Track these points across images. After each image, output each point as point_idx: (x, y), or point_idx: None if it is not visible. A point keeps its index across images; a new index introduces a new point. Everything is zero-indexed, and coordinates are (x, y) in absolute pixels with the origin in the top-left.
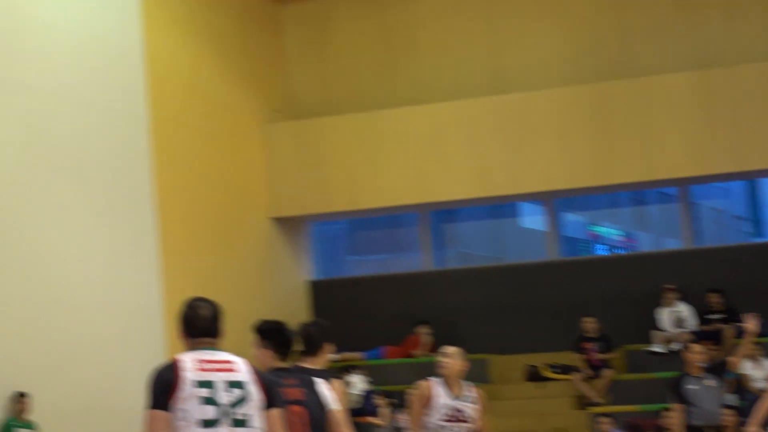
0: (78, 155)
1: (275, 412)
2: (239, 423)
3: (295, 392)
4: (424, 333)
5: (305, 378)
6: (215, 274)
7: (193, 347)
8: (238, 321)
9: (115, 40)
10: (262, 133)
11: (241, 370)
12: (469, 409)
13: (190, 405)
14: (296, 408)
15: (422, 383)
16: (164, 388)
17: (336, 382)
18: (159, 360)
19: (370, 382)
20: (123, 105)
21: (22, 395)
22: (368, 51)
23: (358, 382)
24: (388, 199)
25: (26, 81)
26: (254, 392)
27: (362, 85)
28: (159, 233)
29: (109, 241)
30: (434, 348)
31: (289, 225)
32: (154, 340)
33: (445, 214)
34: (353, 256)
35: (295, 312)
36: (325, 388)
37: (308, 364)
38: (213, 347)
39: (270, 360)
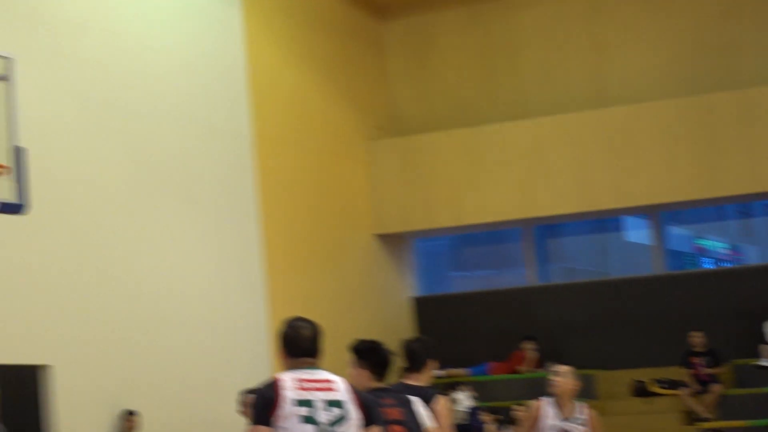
0: (183, 175)
1: (375, 430)
2: None
3: (394, 412)
4: (529, 349)
5: (402, 397)
6: (319, 291)
7: (293, 366)
8: (341, 338)
9: (218, 60)
10: (365, 150)
11: (340, 389)
12: (578, 431)
13: (289, 423)
14: (397, 428)
15: (533, 403)
16: (266, 404)
17: (442, 399)
18: (264, 377)
19: (476, 399)
20: (227, 124)
21: (130, 413)
22: (470, 66)
23: (464, 399)
24: (492, 214)
25: (131, 102)
26: (353, 411)
27: (464, 100)
28: (263, 251)
29: (214, 260)
30: (539, 364)
31: (392, 241)
32: (259, 357)
33: (549, 228)
34: (457, 272)
35: (399, 329)
36: (421, 407)
37: (412, 380)
38: (313, 366)
39: (366, 380)
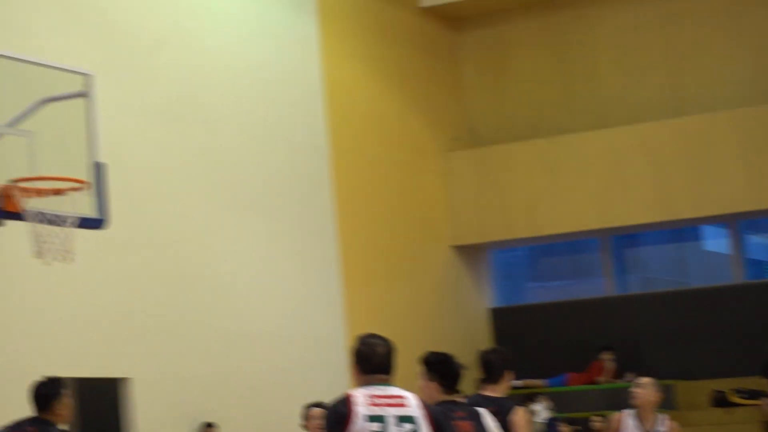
0: (261, 188)
1: None
2: None
3: (465, 425)
4: (607, 359)
5: (472, 410)
6: (397, 303)
7: (365, 383)
8: (418, 349)
9: (295, 74)
10: (441, 161)
11: (412, 405)
12: None
13: None
14: None
15: (614, 415)
16: (338, 419)
17: (520, 410)
18: (342, 389)
19: (553, 410)
20: (304, 138)
21: (209, 425)
22: (546, 76)
23: (542, 410)
24: (569, 224)
25: (209, 117)
26: (424, 427)
27: (541, 110)
28: (341, 264)
29: (293, 273)
30: (618, 374)
31: (469, 253)
32: (337, 370)
33: (626, 238)
34: (534, 283)
35: (477, 340)
36: (489, 420)
37: (489, 392)
38: (385, 383)
39: (436, 392)
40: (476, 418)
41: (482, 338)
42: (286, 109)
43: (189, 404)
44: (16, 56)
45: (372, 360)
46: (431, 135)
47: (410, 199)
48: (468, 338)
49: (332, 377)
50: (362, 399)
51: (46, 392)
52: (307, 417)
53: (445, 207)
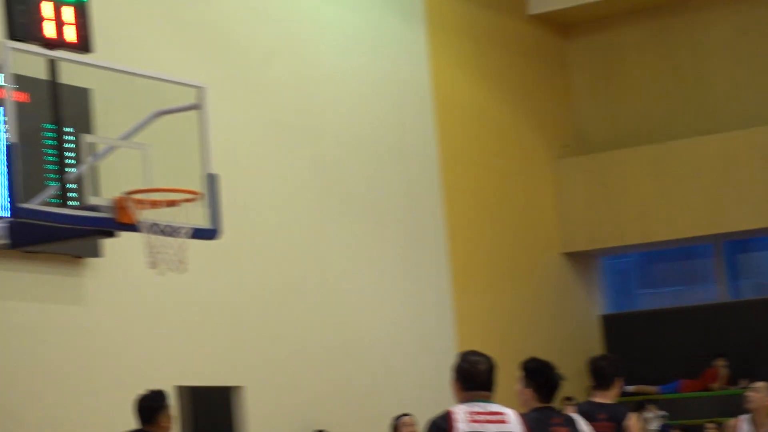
0: (370, 197)
1: None
2: None
3: (562, 431)
4: (720, 366)
5: (567, 417)
6: (507, 310)
7: (466, 399)
8: (529, 357)
9: (404, 82)
10: (551, 168)
11: (511, 421)
12: None
13: None
14: None
15: (730, 421)
16: None
17: (634, 416)
18: (453, 398)
19: (665, 417)
20: (413, 146)
21: None
22: (656, 81)
23: (654, 418)
24: (681, 230)
25: (319, 126)
26: None
27: (651, 116)
28: (451, 271)
29: (402, 281)
30: (732, 381)
31: (580, 260)
32: (447, 378)
33: (739, 243)
34: (646, 289)
35: (588, 346)
36: (584, 425)
37: (600, 398)
38: (486, 400)
39: (531, 399)
40: (572, 424)
41: (593, 345)
42: (395, 118)
43: (301, 412)
44: (130, 70)
45: (474, 377)
46: (541, 142)
47: (520, 206)
48: (579, 345)
49: (442, 385)
50: (463, 415)
51: (150, 405)
52: (396, 427)
53: (555, 214)
